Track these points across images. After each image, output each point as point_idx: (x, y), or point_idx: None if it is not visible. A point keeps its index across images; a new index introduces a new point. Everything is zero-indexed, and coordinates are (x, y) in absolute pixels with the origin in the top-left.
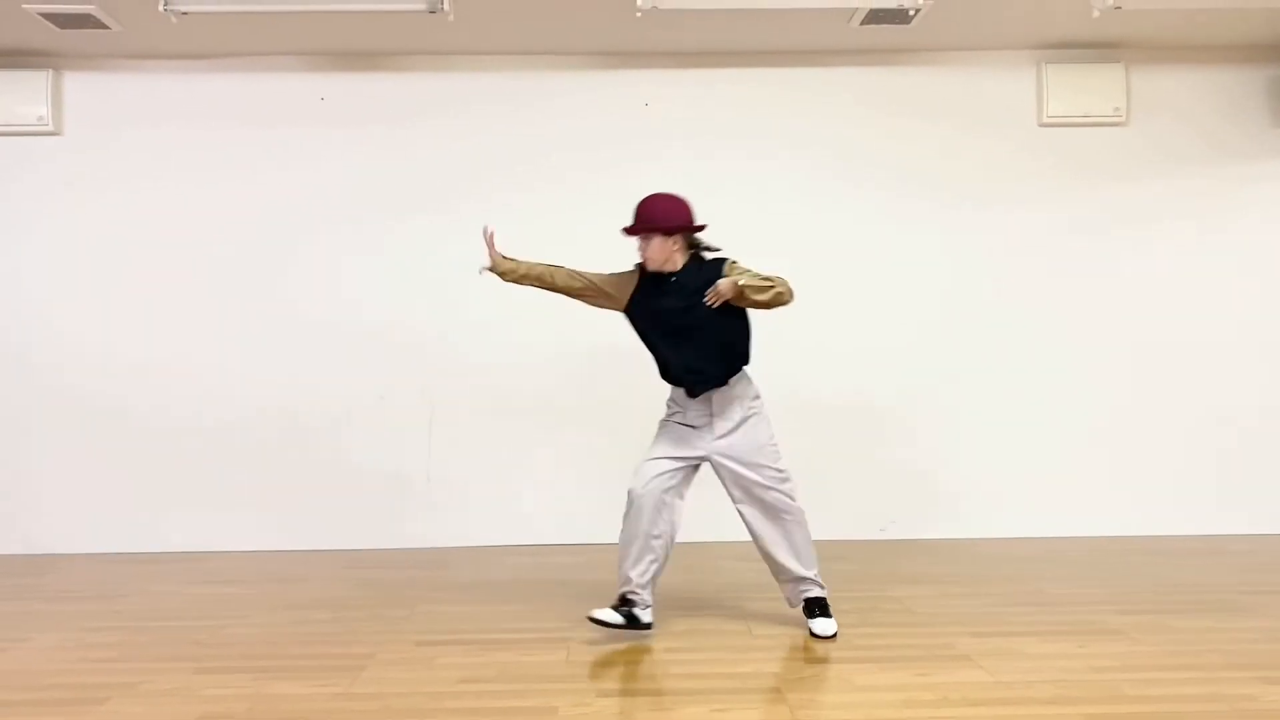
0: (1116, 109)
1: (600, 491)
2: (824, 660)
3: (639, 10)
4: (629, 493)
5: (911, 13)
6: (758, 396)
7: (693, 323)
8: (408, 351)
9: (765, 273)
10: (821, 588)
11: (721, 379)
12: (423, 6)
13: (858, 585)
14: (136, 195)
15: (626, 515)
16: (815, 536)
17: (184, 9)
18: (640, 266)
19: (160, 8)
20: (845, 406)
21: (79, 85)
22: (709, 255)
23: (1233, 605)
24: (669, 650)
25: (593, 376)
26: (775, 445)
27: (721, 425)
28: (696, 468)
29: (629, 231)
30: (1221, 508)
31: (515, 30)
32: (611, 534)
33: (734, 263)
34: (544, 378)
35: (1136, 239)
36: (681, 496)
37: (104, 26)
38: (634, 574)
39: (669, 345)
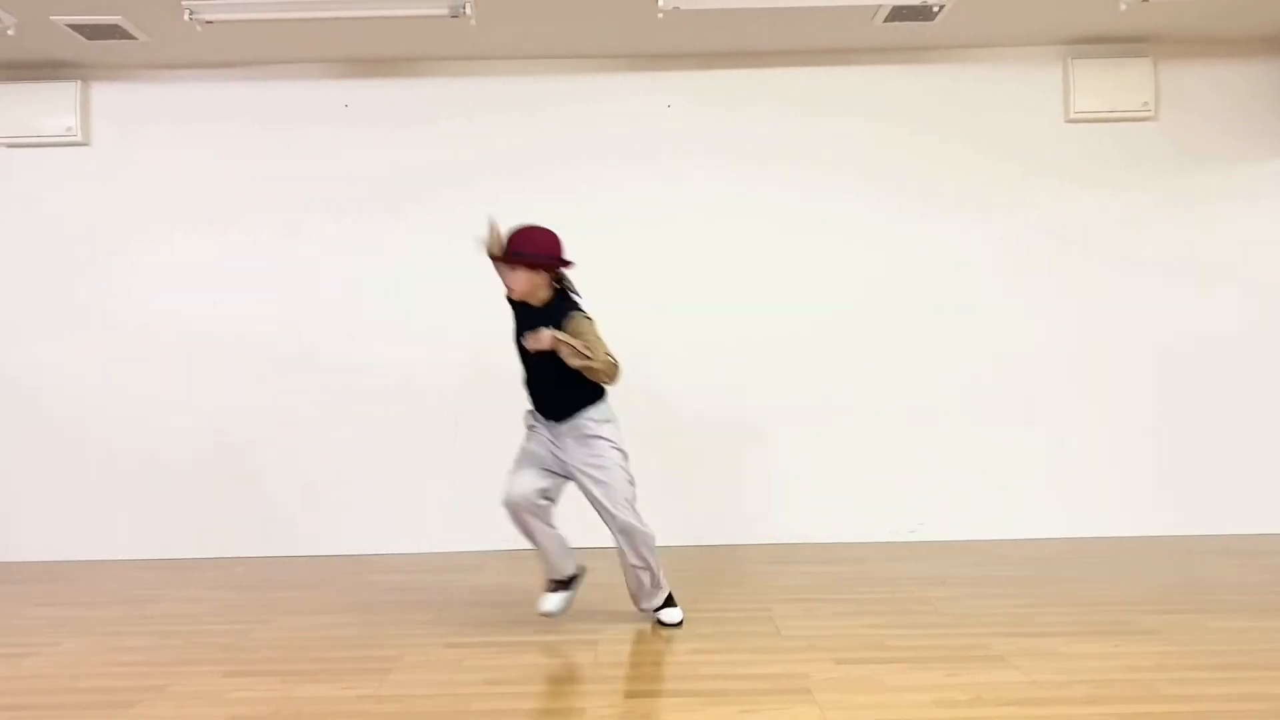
0: (1145, 103)
1: None
2: (854, 661)
3: (660, 11)
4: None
5: (935, 9)
6: (609, 421)
7: (542, 357)
8: (435, 354)
9: (601, 349)
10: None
11: (560, 415)
12: (444, 11)
13: (887, 586)
14: (163, 204)
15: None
16: (847, 539)
17: (208, 17)
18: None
19: (185, 17)
20: (873, 407)
21: (106, 95)
22: (575, 297)
23: (1268, 605)
24: (696, 651)
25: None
26: (620, 466)
27: (569, 445)
28: (563, 476)
29: (497, 259)
30: (1255, 506)
31: (537, 33)
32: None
33: (577, 318)
34: None
35: (1166, 234)
36: (552, 500)
37: (130, 37)
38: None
39: (529, 370)
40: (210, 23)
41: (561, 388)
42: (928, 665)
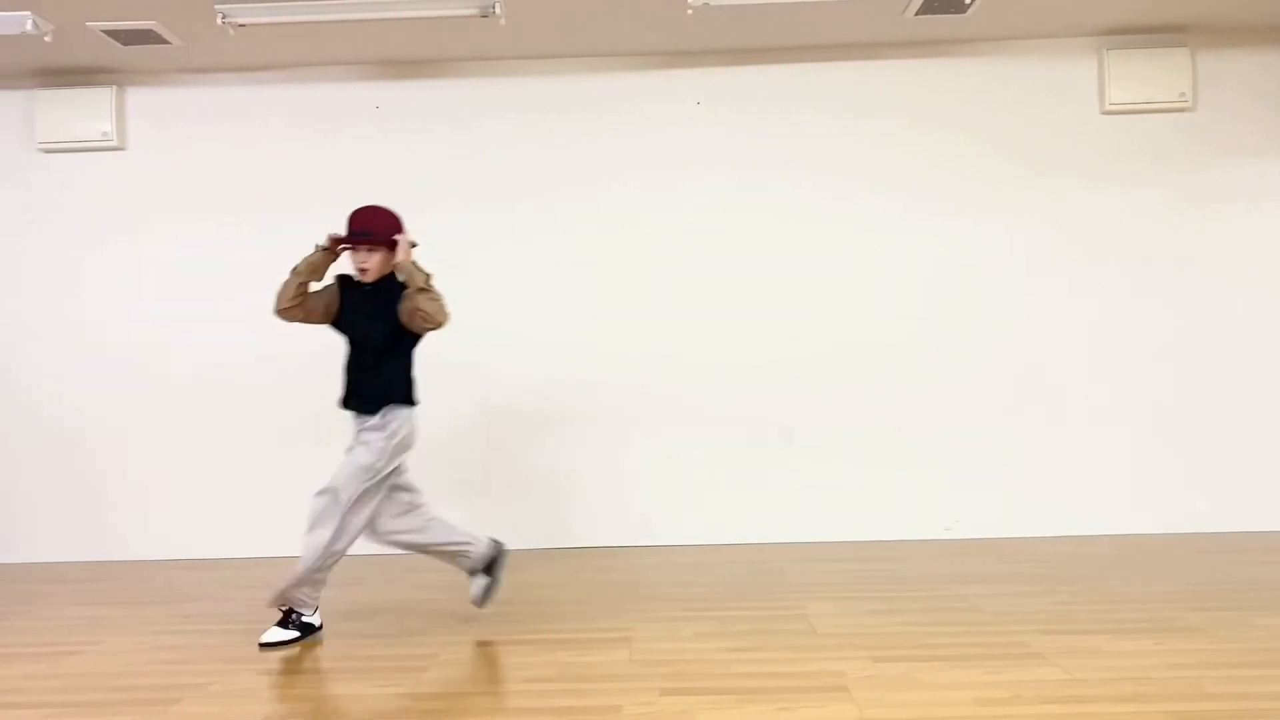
0: (1182, 94)
1: (658, 494)
2: (891, 659)
3: (690, 7)
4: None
5: (968, 1)
6: (407, 430)
7: (374, 336)
8: (465, 356)
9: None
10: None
11: (375, 408)
12: (475, 11)
13: (923, 584)
14: (198, 206)
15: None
16: (880, 537)
17: (241, 21)
18: (340, 278)
19: (218, 21)
20: (905, 405)
21: (141, 100)
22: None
23: None
24: (732, 650)
25: (643, 379)
26: (368, 471)
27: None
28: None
29: (352, 243)
30: None
31: (566, 32)
32: (671, 535)
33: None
34: (598, 381)
35: (1204, 227)
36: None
37: (164, 41)
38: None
39: (352, 357)
40: (243, 26)
41: (379, 371)
42: (966, 663)
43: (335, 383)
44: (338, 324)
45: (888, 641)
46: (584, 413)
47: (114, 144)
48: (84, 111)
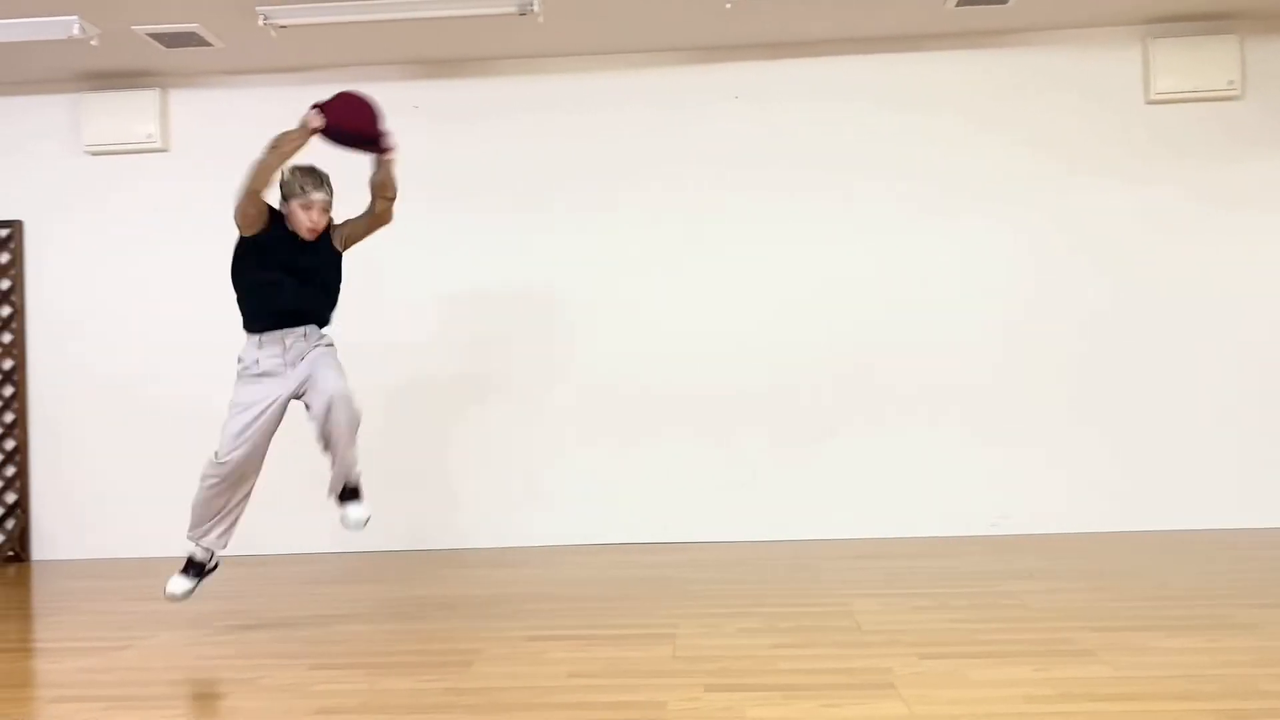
0: (1230, 82)
1: (702, 490)
2: (938, 656)
3: (729, 1)
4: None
5: None
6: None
7: (317, 266)
8: (503, 350)
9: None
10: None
11: (323, 321)
12: (513, 9)
13: (970, 580)
14: None
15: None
16: (926, 533)
17: (282, 22)
18: (271, 209)
19: (260, 22)
20: (951, 400)
21: (184, 102)
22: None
23: None
24: (776, 646)
25: (691, 376)
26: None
27: (299, 366)
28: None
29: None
30: None
31: (604, 29)
32: (714, 532)
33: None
34: (643, 375)
35: (1252, 219)
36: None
37: (207, 44)
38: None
39: (288, 284)
40: (284, 27)
41: (328, 294)
42: (1014, 660)
43: (373, 383)
44: (260, 243)
45: (934, 638)
46: (624, 409)
47: (158, 146)
48: (129, 114)
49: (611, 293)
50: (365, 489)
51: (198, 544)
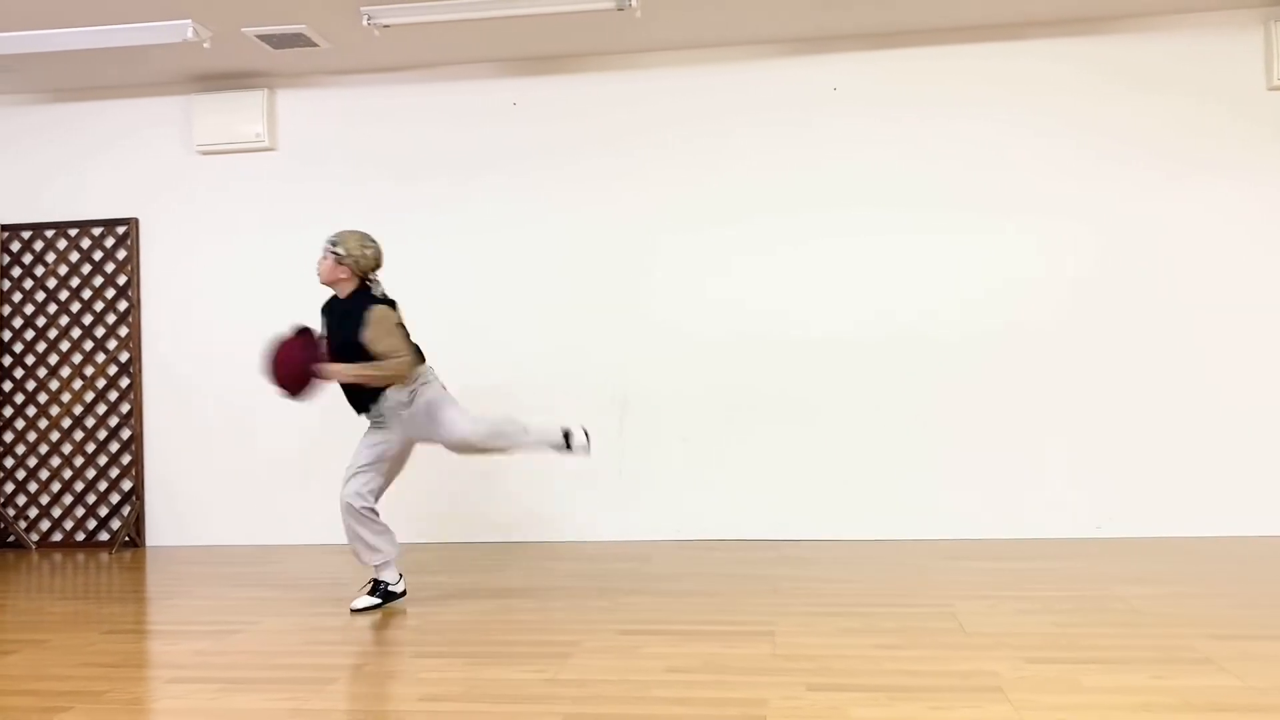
0: None
1: (798, 487)
2: (1046, 660)
3: None
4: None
5: None
6: (408, 404)
7: (338, 349)
8: (600, 344)
9: (381, 352)
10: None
11: (361, 406)
12: (611, 5)
13: (1078, 584)
14: (342, 204)
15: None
16: (1025, 535)
17: (385, 22)
18: (332, 297)
19: (364, 22)
20: (1055, 398)
21: (290, 102)
22: (377, 292)
23: None
24: (879, 647)
25: (787, 370)
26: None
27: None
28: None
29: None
30: None
31: (700, 22)
32: (809, 530)
33: (377, 313)
34: (738, 371)
35: None
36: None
37: (313, 44)
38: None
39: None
40: (387, 27)
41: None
42: (1128, 666)
43: (476, 375)
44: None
45: (1042, 642)
46: (726, 402)
47: (265, 145)
48: (238, 114)
49: (704, 291)
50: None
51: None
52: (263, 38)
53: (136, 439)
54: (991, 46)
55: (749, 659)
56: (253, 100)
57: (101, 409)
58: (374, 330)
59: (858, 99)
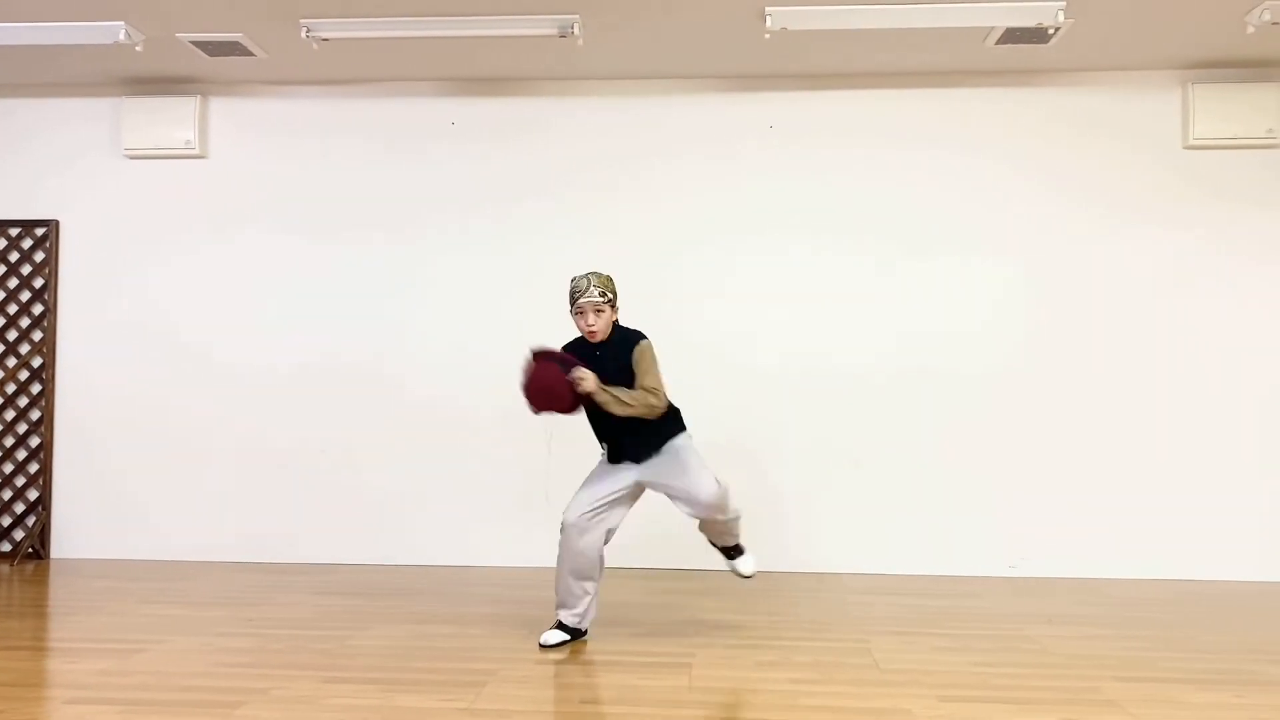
0: (1270, 130)
1: None
2: (959, 699)
3: (768, 32)
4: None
5: (1051, 31)
6: (659, 446)
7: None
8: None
9: (649, 386)
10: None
11: (609, 437)
12: (553, 31)
13: (990, 622)
14: (275, 215)
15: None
16: (942, 572)
17: (325, 35)
18: (578, 340)
19: (303, 34)
20: (971, 437)
21: (224, 110)
22: (624, 327)
23: None
24: (794, 681)
25: (712, 401)
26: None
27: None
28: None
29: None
30: None
31: (643, 54)
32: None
33: (645, 346)
34: None
35: None
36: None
37: (249, 54)
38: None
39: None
40: (326, 40)
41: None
42: (1038, 708)
43: (406, 397)
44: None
45: (955, 679)
46: None
47: (196, 152)
48: (168, 120)
49: (645, 315)
50: None
51: None
52: (198, 44)
53: (46, 447)
54: (925, 93)
55: (665, 691)
56: (184, 106)
57: (10, 415)
58: (645, 362)
59: (792, 138)
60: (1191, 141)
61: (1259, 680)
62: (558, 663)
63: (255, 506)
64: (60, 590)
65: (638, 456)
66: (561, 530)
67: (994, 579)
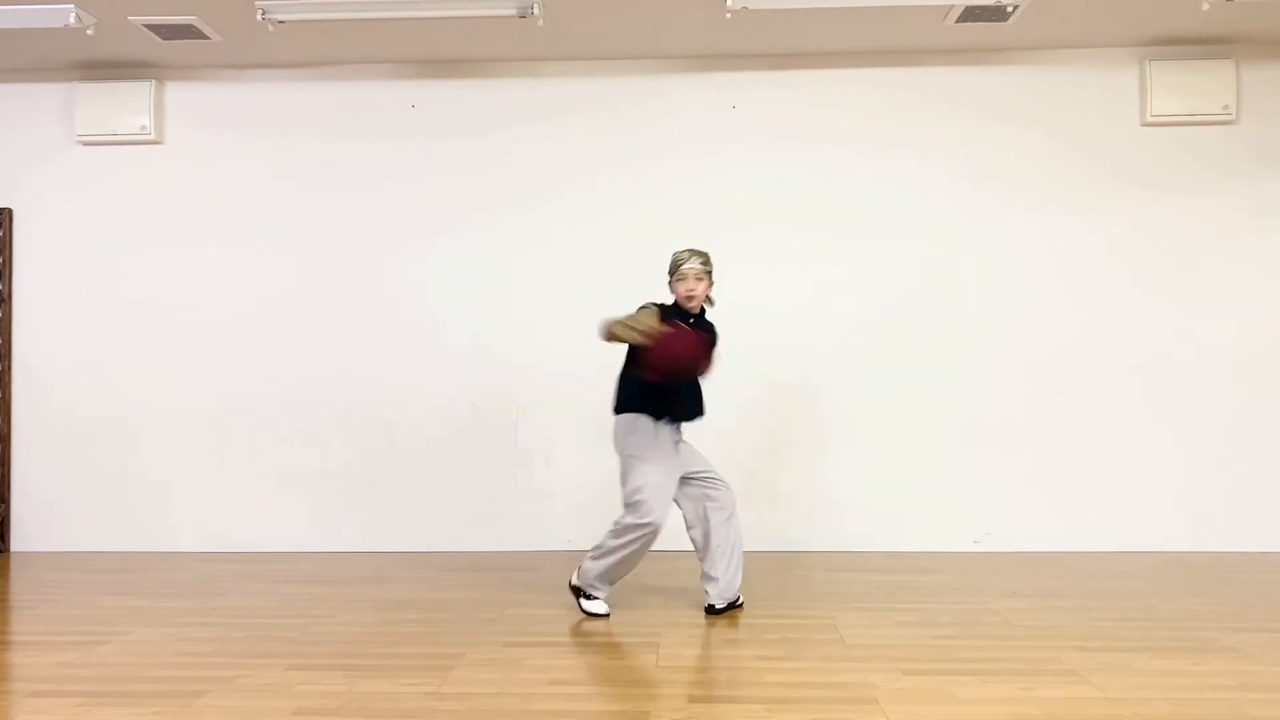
0: (1225, 107)
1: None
2: (922, 672)
3: (729, 11)
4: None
5: (1009, 9)
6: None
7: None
8: (496, 359)
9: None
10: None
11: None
12: (513, 11)
13: (954, 596)
14: (233, 201)
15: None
16: (909, 548)
17: (280, 17)
18: (664, 306)
19: (258, 17)
20: (939, 415)
21: (179, 95)
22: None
23: None
24: (761, 658)
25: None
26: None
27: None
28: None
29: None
30: None
31: (604, 34)
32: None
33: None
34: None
35: (1246, 240)
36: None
37: (204, 37)
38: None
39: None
40: (282, 23)
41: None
42: (999, 678)
43: (368, 385)
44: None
45: (919, 654)
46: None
47: (152, 138)
48: (123, 105)
49: (603, 305)
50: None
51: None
52: (151, 27)
53: (3, 438)
54: (884, 71)
55: (633, 670)
56: (139, 91)
57: None
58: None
59: (757, 117)
60: (1149, 119)
61: (1215, 647)
62: (525, 645)
63: (218, 497)
64: (21, 583)
65: (692, 415)
66: (650, 532)
67: (959, 554)
